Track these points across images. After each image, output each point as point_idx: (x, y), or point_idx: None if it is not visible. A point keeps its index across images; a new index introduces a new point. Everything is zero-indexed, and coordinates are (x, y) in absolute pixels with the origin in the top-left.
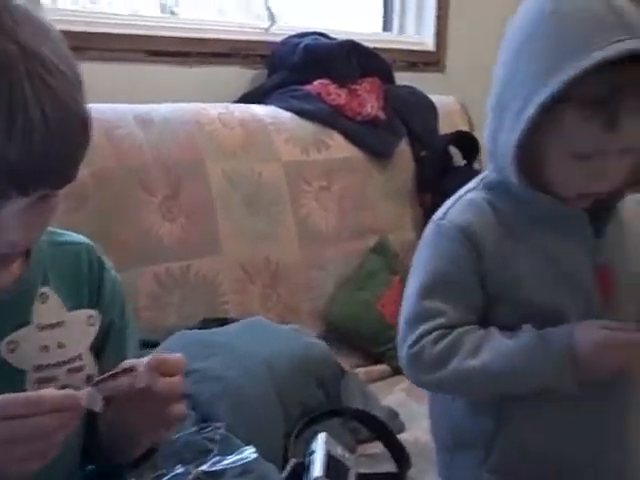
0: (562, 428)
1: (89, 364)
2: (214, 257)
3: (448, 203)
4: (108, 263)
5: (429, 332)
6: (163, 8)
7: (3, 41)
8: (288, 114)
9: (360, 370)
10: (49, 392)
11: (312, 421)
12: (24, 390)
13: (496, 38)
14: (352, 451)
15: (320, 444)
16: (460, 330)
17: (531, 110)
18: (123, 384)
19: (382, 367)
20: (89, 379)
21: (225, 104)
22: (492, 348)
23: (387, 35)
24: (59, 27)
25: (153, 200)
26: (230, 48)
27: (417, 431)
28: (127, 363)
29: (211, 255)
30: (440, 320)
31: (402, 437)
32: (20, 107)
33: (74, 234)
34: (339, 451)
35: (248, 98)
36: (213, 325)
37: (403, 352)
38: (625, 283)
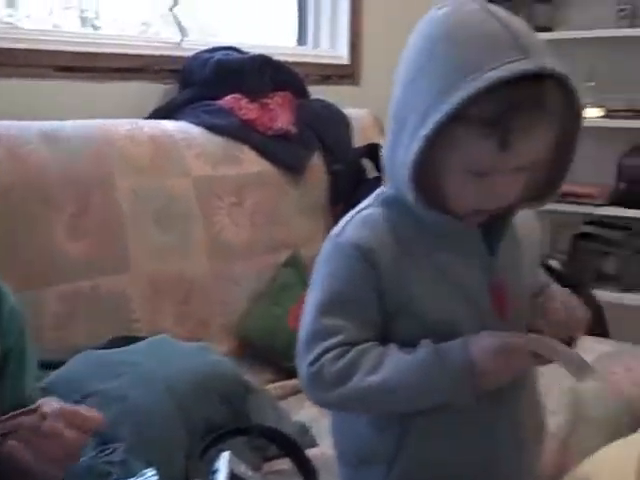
0: (459, 438)
1: None
2: (123, 274)
3: (345, 219)
4: (5, 288)
5: (328, 350)
6: (84, 22)
7: None
8: (199, 129)
9: (274, 385)
10: None
11: (216, 440)
12: None
13: None
14: (257, 469)
15: (223, 463)
16: (359, 347)
17: (428, 128)
18: (25, 424)
19: (295, 382)
20: None
21: (134, 120)
22: (391, 365)
23: (302, 49)
24: None
25: (59, 218)
26: (141, 63)
27: (326, 446)
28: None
29: (120, 273)
30: (339, 337)
31: (312, 452)
32: None
33: None
34: (242, 469)
35: (159, 114)
36: (121, 344)
37: (302, 371)
38: (517, 299)
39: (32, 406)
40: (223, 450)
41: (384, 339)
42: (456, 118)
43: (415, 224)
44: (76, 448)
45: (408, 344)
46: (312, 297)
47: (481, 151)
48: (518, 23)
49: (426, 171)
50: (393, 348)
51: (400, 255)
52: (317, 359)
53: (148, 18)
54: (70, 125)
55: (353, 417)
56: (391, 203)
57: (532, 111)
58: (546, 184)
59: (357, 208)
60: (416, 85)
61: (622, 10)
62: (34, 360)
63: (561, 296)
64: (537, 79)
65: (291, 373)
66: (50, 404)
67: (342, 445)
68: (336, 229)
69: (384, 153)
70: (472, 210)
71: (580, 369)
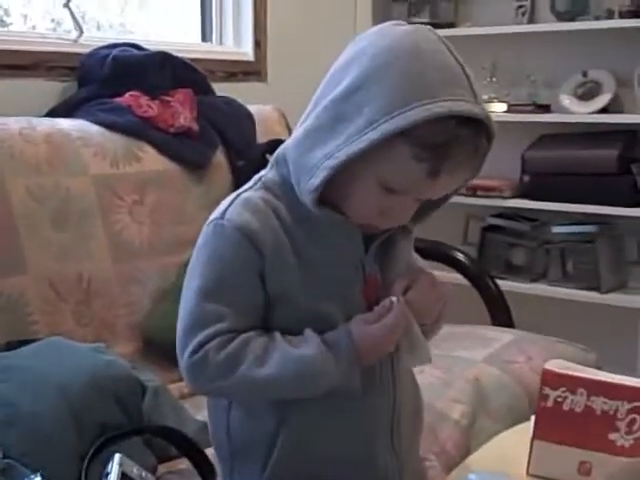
0: (337, 428)
1: None
2: (19, 276)
3: (225, 203)
4: None
5: (211, 338)
6: None
7: None
8: (96, 127)
9: (178, 385)
10: None
11: (109, 442)
12: None
13: (315, 47)
14: (152, 470)
15: (115, 465)
16: (244, 336)
17: (378, 133)
18: None
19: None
20: None
21: (28, 118)
22: (280, 355)
23: (206, 46)
24: None
25: None
26: (34, 60)
27: None
28: None
29: (16, 275)
30: (222, 325)
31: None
32: None
33: None
34: (135, 471)
35: (56, 113)
36: (18, 347)
37: (183, 361)
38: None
39: None
40: (116, 452)
41: (265, 325)
42: (400, 133)
43: (296, 212)
44: None
45: (288, 332)
46: (191, 283)
47: (409, 171)
48: (468, 67)
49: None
50: (278, 338)
51: (281, 242)
52: (199, 348)
53: (58, 15)
54: None
55: (225, 408)
56: (273, 187)
57: (468, 150)
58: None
59: (237, 191)
60: (365, 90)
61: (520, 7)
62: None
63: (421, 283)
64: (478, 123)
65: None
66: None
67: (217, 438)
68: (216, 212)
69: (290, 143)
70: (365, 222)
71: (418, 355)
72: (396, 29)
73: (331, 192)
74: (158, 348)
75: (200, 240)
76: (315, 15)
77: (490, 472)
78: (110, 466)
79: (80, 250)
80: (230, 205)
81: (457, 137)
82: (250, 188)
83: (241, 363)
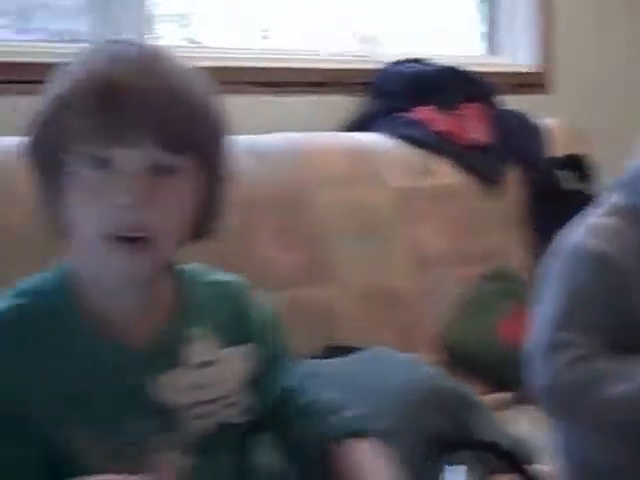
0: None
1: (244, 399)
2: (329, 285)
3: (580, 230)
4: (258, 297)
5: (567, 363)
6: (253, 35)
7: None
8: (394, 141)
9: (484, 398)
10: None
11: (442, 453)
12: (181, 428)
13: (606, 56)
14: None
15: (453, 477)
16: (600, 358)
17: None
18: None
19: (503, 395)
20: (245, 412)
21: (330, 133)
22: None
23: (490, 58)
24: None
25: (266, 230)
26: (332, 77)
27: (545, 463)
28: None
29: (325, 283)
30: (577, 350)
31: (534, 468)
32: None
33: (221, 273)
34: None
35: (351, 126)
36: (335, 353)
37: (539, 385)
38: None
39: None
40: (449, 464)
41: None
42: None
43: None
44: None
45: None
46: (546, 309)
47: None
48: None
49: None
50: (631, 357)
51: (636, 268)
52: (555, 373)
53: (314, 30)
54: (271, 139)
55: (577, 434)
56: (626, 215)
57: None
58: None
59: (589, 218)
60: None
61: None
62: (288, 362)
63: None
64: None
65: (501, 386)
66: None
67: (567, 463)
68: (574, 240)
69: (632, 163)
70: None
71: None
72: None
73: None
74: (457, 361)
75: (554, 266)
76: (603, 21)
77: None
78: (447, 477)
79: (382, 261)
80: (586, 231)
81: None
82: (603, 215)
83: (598, 384)
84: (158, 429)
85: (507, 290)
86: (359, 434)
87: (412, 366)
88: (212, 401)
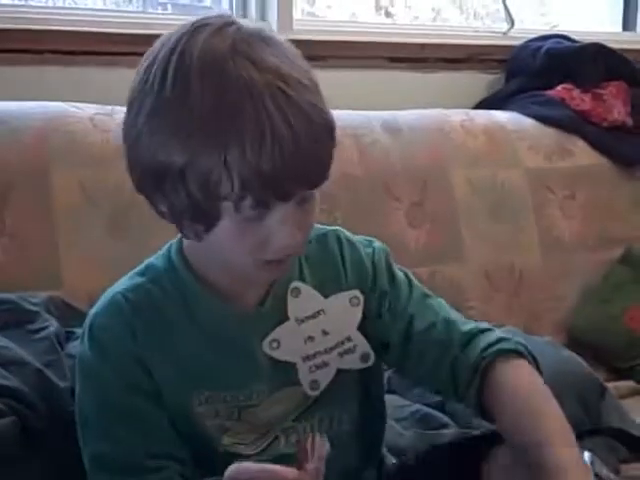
0: None
1: (360, 343)
2: (458, 264)
3: None
4: (359, 241)
5: None
6: (377, 9)
7: (243, 67)
8: (530, 120)
9: (614, 384)
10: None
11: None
12: (299, 381)
13: None
14: (616, 472)
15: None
16: None
17: None
18: None
19: (629, 383)
20: (364, 358)
21: (465, 110)
22: None
23: (629, 35)
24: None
25: (400, 206)
26: (467, 53)
27: None
28: None
29: (455, 262)
30: None
31: None
32: (267, 124)
33: (318, 225)
34: (605, 472)
35: (486, 104)
36: None
37: None
38: None
39: None
40: (582, 451)
41: None
42: None
43: None
44: None
45: None
46: None
47: None
48: None
49: None
50: None
51: None
52: None
53: (436, 4)
54: (406, 115)
55: None
56: None
57: None
58: None
59: None
60: None
61: None
62: (414, 289)
63: None
64: None
65: (624, 374)
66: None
67: None
68: None
69: None
70: None
71: None
72: None
73: None
74: (583, 347)
75: None
76: None
77: None
78: None
79: (513, 242)
80: None
81: None
82: None
83: None
84: (280, 386)
85: (637, 276)
86: (511, 353)
87: (543, 349)
88: (327, 351)
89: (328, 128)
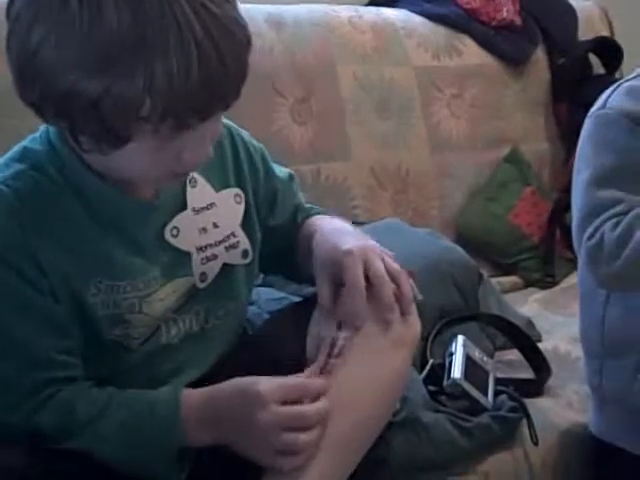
0: None
1: (242, 240)
2: (344, 162)
3: (605, 94)
4: (247, 137)
5: (607, 220)
6: None
7: None
8: (420, 18)
9: (497, 279)
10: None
11: (449, 324)
12: (191, 272)
13: None
14: (490, 356)
15: (459, 346)
16: (637, 209)
17: None
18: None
19: (513, 278)
20: (244, 254)
21: (355, 7)
22: None
23: None
24: None
25: (284, 102)
26: None
27: (556, 341)
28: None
29: (341, 160)
30: (618, 208)
31: (539, 346)
32: (193, 46)
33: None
34: (477, 354)
35: (378, 1)
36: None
37: (582, 247)
38: None
39: None
40: (456, 334)
41: None
42: None
43: None
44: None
45: None
46: (582, 175)
47: None
48: None
49: None
50: None
51: None
52: (595, 231)
53: None
54: (293, 10)
55: (602, 305)
56: None
57: None
58: None
59: (619, 82)
60: None
61: None
62: (293, 183)
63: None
64: None
65: (509, 270)
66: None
67: (589, 335)
68: (597, 105)
69: None
70: None
71: None
72: None
73: None
74: (469, 243)
75: (584, 134)
76: None
77: None
78: (454, 346)
79: (400, 140)
80: (611, 94)
81: None
82: (633, 78)
83: (634, 231)
84: (173, 276)
85: (522, 174)
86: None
87: (422, 239)
88: (216, 244)
89: (248, 45)
